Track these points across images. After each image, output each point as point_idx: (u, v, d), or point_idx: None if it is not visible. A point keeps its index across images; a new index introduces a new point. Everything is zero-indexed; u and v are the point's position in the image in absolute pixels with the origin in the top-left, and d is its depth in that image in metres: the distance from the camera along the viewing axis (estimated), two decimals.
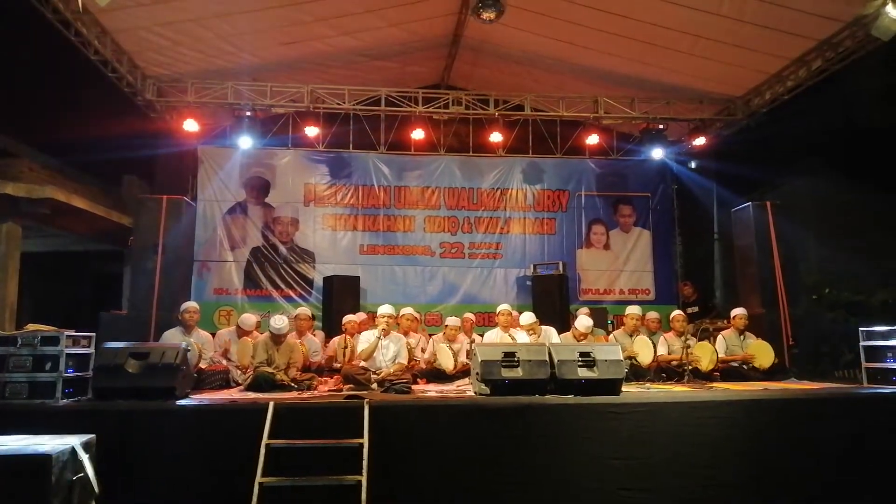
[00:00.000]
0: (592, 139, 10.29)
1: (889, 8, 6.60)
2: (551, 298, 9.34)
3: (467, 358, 6.84)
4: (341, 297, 8.97)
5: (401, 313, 7.70)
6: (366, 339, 6.57)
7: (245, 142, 9.47)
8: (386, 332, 6.58)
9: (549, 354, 5.39)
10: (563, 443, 4.75)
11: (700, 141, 9.97)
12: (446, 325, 7.41)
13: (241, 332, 7.05)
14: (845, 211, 10.44)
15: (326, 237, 10.21)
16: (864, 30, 7.11)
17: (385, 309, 6.86)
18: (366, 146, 10.30)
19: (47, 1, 6.74)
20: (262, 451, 4.31)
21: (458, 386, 6.41)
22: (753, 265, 8.74)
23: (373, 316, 7.65)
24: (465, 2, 8.22)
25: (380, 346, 6.51)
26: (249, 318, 7.18)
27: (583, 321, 7.28)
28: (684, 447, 4.82)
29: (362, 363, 6.45)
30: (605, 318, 9.13)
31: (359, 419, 4.50)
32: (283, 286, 9.90)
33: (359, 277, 9.56)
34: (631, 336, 7.49)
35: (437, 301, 10.12)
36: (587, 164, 10.81)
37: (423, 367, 7.07)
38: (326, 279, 9.46)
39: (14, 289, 9.85)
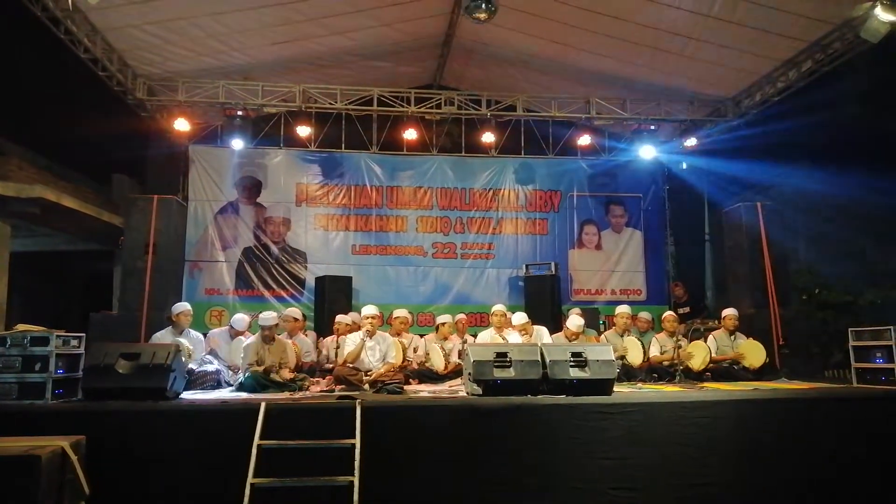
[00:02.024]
0: (584, 140, 10.35)
1: (878, 10, 6.66)
2: (543, 299, 9.38)
3: (459, 358, 6.84)
4: (333, 298, 8.95)
5: (393, 315, 7.70)
6: (352, 342, 6.53)
7: (237, 142, 9.46)
8: (371, 333, 6.53)
9: (541, 355, 5.39)
10: (554, 443, 4.75)
11: (691, 142, 10.07)
12: (443, 324, 7.40)
13: (234, 333, 7.04)
14: (835, 212, 10.51)
15: (318, 237, 10.18)
16: (854, 32, 7.18)
17: (369, 310, 6.74)
18: (358, 146, 10.28)
19: None
20: (254, 451, 4.28)
21: (450, 386, 6.41)
22: (744, 266, 8.80)
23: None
24: (458, 2, 8.22)
25: (366, 348, 6.48)
26: (242, 319, 7.16)
27: (574, 321, 7.30)
28: (675, 447, 4.84)
29: (349, 365, 6.43)
30: (597, 319, 9.15)
31: (351, 420, 4.49)
32: (274, 286, 9.86)
33: (351, 278, 9.55)
34: (622, 336, 7.53)
35: (430, 301, 10.11)
36: (579, 165, 10.84)
37: (416, 367, 7.08)
38: (318, 279, 9.44)
39: (3, 289, 9.76)
